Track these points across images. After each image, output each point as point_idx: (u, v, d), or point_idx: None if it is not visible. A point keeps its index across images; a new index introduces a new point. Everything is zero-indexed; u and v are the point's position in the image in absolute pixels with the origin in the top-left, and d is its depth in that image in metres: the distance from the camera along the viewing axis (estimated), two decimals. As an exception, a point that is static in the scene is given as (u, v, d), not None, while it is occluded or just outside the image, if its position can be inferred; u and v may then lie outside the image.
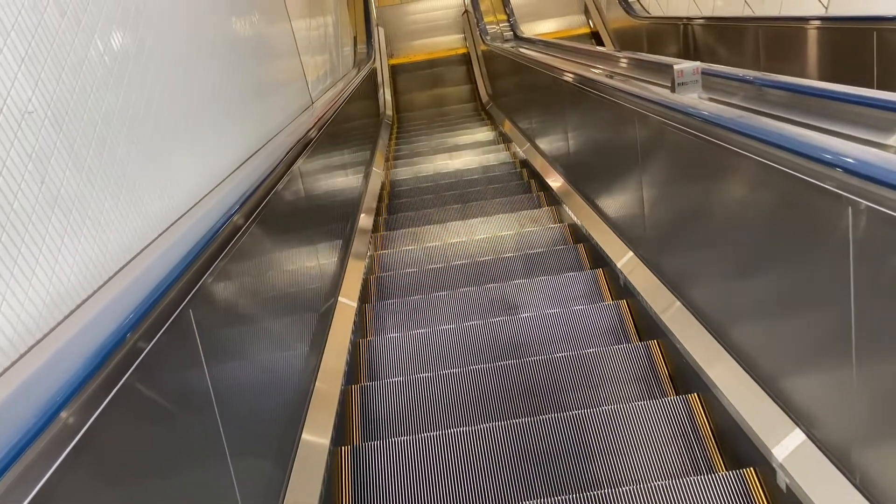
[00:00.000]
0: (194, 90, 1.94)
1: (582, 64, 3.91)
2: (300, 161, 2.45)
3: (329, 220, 3.11)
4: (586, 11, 9.58)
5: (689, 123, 1.97)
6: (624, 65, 3.38)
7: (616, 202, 3.12)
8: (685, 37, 6.32)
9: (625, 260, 2.88)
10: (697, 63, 2.23)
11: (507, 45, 6.84)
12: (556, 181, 4.21)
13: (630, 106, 2.51)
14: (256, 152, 2.31)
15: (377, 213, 4.44)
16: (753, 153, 1.64)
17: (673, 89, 2.24)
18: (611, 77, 3.13)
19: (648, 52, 7.29)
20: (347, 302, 2.89)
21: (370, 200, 4.38)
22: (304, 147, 2.61)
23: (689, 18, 6.22)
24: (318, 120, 3.23)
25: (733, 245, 1.88)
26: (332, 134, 3.64)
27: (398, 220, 4.29)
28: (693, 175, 2.09)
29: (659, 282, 2.46)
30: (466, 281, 3.40)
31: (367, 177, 4.83)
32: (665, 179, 2.38)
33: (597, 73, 3.38)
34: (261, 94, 2.77)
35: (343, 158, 3.84)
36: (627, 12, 7.65)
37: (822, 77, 3.95)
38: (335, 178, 3.45)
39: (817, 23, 4.03)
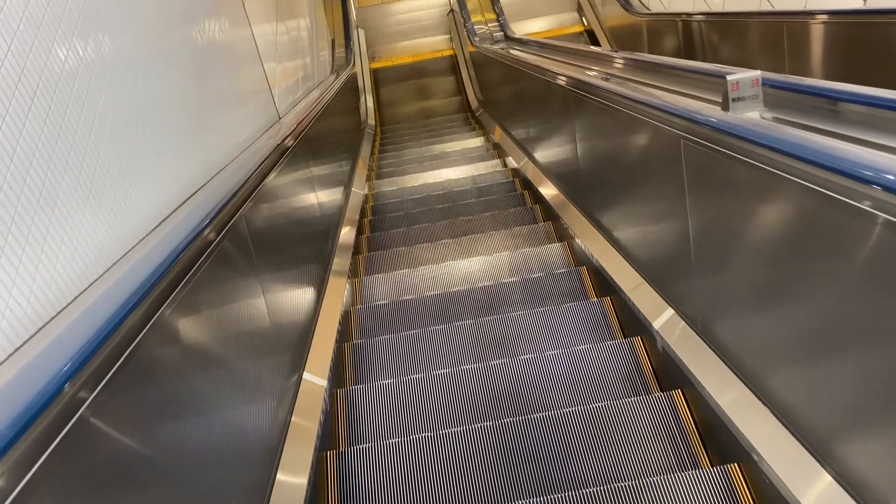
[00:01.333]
0: (106, 116, 1.45)
1: (588, 69, 3.44)
2: (247, 206, 1.96)
3: (296, 261, 2.63)
4: (579, 9, 9.14)
5: (767, 159, 1.50)
6: (643, 70, 2.91)
7: (645, 242, 2.65)
8: (690, 36, 5.89)
9: (663, 320, 2.35)
10: (756, 73, 1.77)
11: (496, 47, 6.38)
12: (569, 214, 3.74)
13: (666, 127, 2.04)
14: (187, 200, 1.82)
15: (358, 234, 3.96)
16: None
17: (726, 106, 1.77)
18: (621, 83, 2.67)
19: (649, 51, 6.86)
20: (316, 373, 2.40)
21: (346, 235, 3.89)
22: (255, 188, 2.12)
23: (695, 15, 5.78)
24: (283, 142, 2.75)
25: (851, 326, 1.39)
26: (301, 156, 3.16)
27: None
28: (779, 229, 1.62)
29: (717, 359, 1.97)
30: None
31: (346, 197, 4.34)
32: (723, 223, 1.90)
33: (609, 80, 2.92)
34: (204, 116, 2.28)
35: (314, 184, 3.35)
36: (625, 9, 7.21)
37: (869, 81, 3.50)
38: (304, 210, 2.96)
39: (855, 17, 3.59)
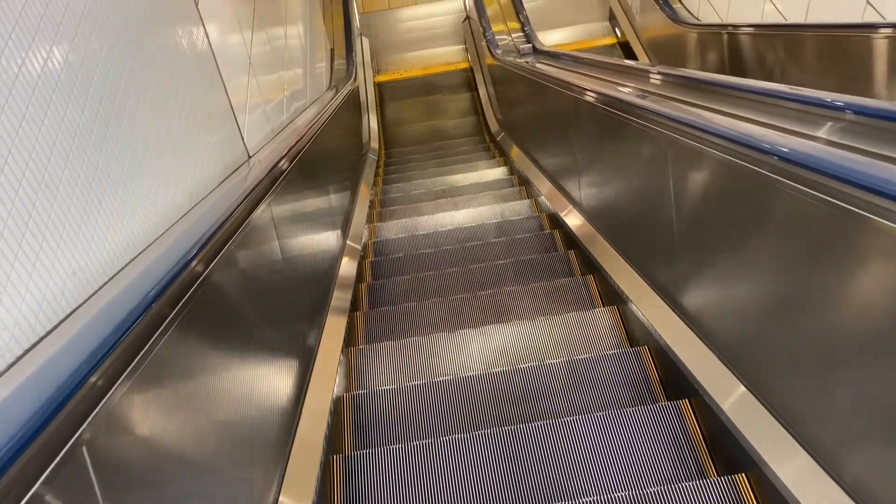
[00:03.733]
0: None
1: (655, 94, 2.63)
2: (171, 330, 1.16)
3: (264, 363, 1.81)
4: (612, 17, 8.35)
5: None
6: (747, 100, 2.10)
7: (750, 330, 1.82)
8: (759, 52, 5.07)
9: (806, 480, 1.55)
10: None
11: (522, 61, 5.59)
12: (620, 272, 2.91)
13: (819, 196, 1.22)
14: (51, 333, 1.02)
15: (352, 309, 3.13)
16: None
17: None
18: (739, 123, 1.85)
19: (698, 69, 6.06)
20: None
21: (341, 297, 3.07)
22: (183, 296, 1.31)
23: (764, 27, 4.97)
24: (246, 197, 1.94)
25: None
26: (278, 213, 2.36)
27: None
28: None
29: None
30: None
31: (341, 249, 3.53)
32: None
33: (702, 113, 2.10)
34: (106, 170, 1.47)
35: (292, 252, 2.54)
36: (671, 19, 6.41)
37: None
38: (273, 297, 2.14)
39: None
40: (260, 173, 2.37)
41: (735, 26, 5.35)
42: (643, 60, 7.41)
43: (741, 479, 1.75)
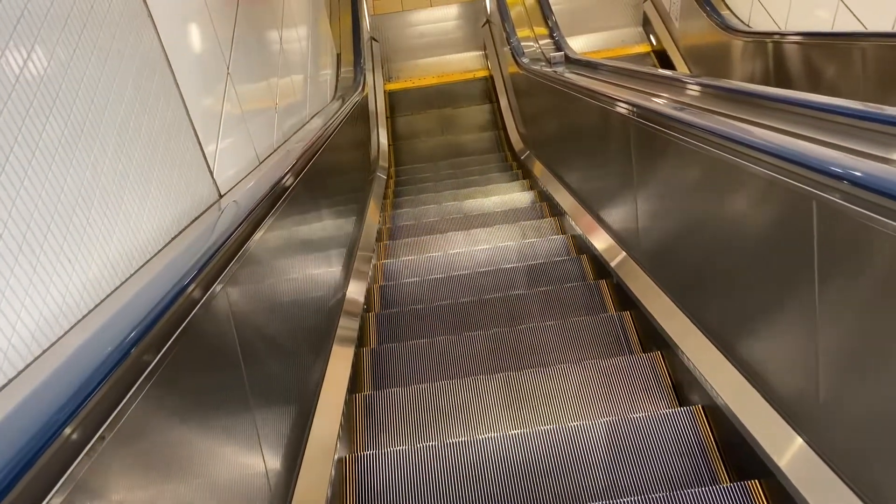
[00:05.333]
0: None
1: (735, 117, 2.04)
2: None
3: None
4: (646, 23, 7.76)
5: None
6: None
7: None
8: (825, 65, 4.46)
9: None
10: None
11: (551, 70, 5.01)
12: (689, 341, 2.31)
13: None
14: None
15: (351, 390, 2.54)
16: None
17: None
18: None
19: (759, 81, 5.45)
20: None
21: (338, 368, 2.47)
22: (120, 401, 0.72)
23: (833, 37, 4.37)
24: (194, 279, 1.36)
25: None
26: (257, 268, 1.78)
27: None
28: None
29: None
30: None
31: (340, 302, 2.95)
32: None
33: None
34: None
35: (279, 320, 1.95)
36: (718, 25, 5.81)
37: None
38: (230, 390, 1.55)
39: None
40: (234, 218, 1.79)
41: (798, 34, 4.74)
42: (682, 70, 6.81)
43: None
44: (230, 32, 2.65)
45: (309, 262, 2.52)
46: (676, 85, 3.01)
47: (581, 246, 3.54)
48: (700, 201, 2.12)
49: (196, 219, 1.89)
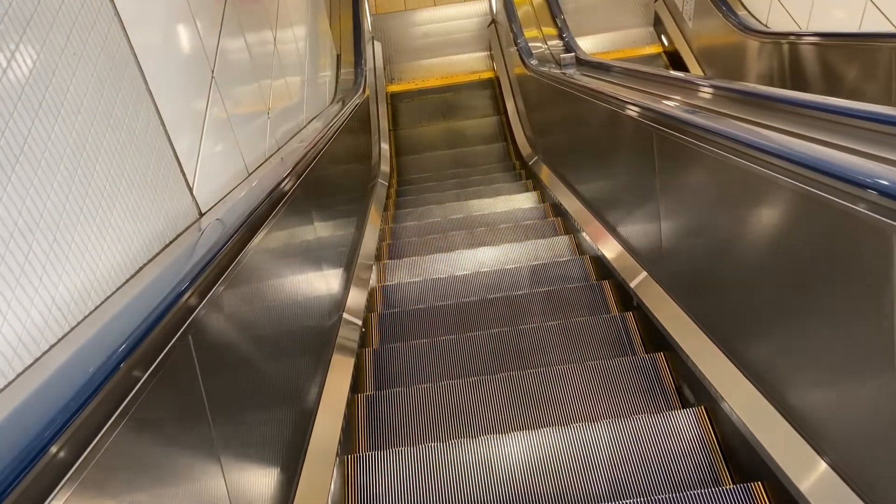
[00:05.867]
0: None
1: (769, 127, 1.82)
2: None
3: None
4: (657, 23, 7.54)
5: None
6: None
7: None
8: (851, 67, 4.24)
9: None
10: None
11: (559, 72, 4.79)
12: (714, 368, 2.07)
13: None
14: None
15: (345, 450, 2.31)
16: None
17: None
18: None
19: (778, 84, 5.22)
20: None
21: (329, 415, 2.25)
22: None
23: (864, 37, 4.14)
24: (159, 321, 1.14)
25: None
26: (232, 323, 1.56)
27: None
28: None
29: None
30: None
31: (334, 332, 2.73)
32: None
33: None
34: None
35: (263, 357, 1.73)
36: (735, 26, 5.59)
37: None
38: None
39: None
40: (214, 242, 1.58)
41: (821, 35, 4.52)
42: (695, 72, 6.59)
43: None
44: (216, 32, 2.44)
45: (299, 286, 2.30)
46: (703, 90, 2.79)
47: (603, 269, 3.26)
48: (750, 224, 1.88)
49: (170, 243, 1.68)
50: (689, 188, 2.29)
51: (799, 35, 4.82)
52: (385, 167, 5.95)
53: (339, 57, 5.94)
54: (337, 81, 5.61)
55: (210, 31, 2.38)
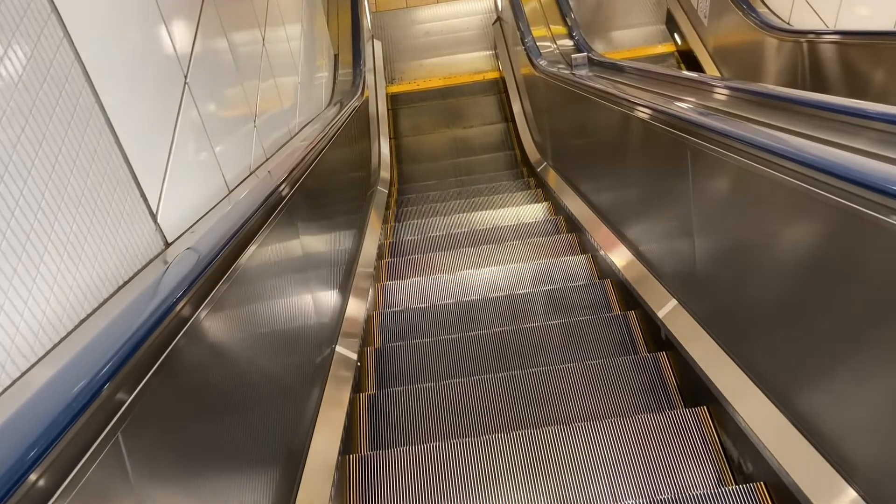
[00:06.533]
0: None
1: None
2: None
3: None
4: (670, 20, 7.25)
5: None
6: None
7: None
8: (884, 67, 3.96)
9: None
10: None
11: (570, 74, 4.51)
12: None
13: None
14: None
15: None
16: None
17: None
18: None
19: (801, 86, 4.94)
20: None
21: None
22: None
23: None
24: (124, 365, 0.87)
25: None
26: (199, 376, 1.28)
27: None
28: None
29: None
30: None
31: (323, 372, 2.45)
32: None
33: None
34: None
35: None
36: (756, 24, 5.30)
37: None
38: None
39: None
40: (165, 297, 1.29)
41: (853, 34, 4.23)
42: (711, 72, 6.30)
43: None
44: (190, 32, 2.15)
45: (279, 329, 2.02)
46: (739, 96, 2.51)
47: (625, 294, 2.97)
48: (816, 252, 1.60)
49: (124, 284, 1.40)
50: (734, 208, 2.01)
51: (826, 33, 4.53)
52: (385, 173, 5.66)
53: (336, 57, 5.66)
54: (334, 83, 5.33)
55: (184, 31, 2.09)
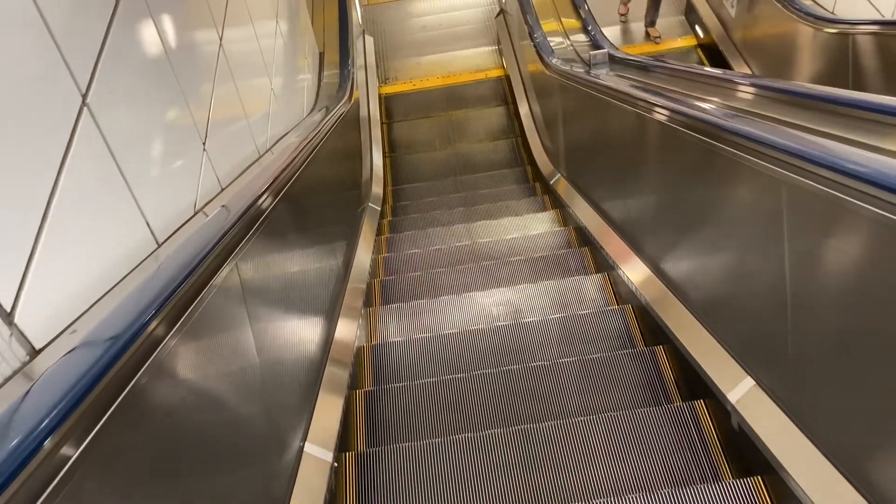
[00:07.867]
0: None
1: None
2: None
3: None
4: (690, 11, 6.68)
5: None
6: None
7: None
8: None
9: None
10: None
11: (582, 72, 3.95)
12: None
13: None
14: None
15: None
16: None
17: None
18: None
19: (852, 84, 4.37)
20: None
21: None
22: None
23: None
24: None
25: None
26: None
27: None
28: None
29: None
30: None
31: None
32: None
33: None
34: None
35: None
36: (795, 14, 4.72)
37: None
38: None
39: None
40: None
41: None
42: (740, 70, 5.72)
43: None
44: (97, 31, 1.57)
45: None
46: (806, 103, 1.96)
47: (666, 345, 2.43)
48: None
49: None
50: (841, 259, 1.44)
51: (884, 24, 3.95)
52: (377, 188, 5.07)
53: (321, 56, 5.08)
54: (319, 85, 4.75)
55: (82, 30, 1.52)
